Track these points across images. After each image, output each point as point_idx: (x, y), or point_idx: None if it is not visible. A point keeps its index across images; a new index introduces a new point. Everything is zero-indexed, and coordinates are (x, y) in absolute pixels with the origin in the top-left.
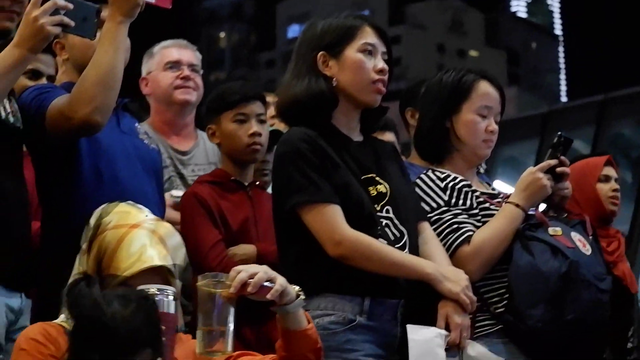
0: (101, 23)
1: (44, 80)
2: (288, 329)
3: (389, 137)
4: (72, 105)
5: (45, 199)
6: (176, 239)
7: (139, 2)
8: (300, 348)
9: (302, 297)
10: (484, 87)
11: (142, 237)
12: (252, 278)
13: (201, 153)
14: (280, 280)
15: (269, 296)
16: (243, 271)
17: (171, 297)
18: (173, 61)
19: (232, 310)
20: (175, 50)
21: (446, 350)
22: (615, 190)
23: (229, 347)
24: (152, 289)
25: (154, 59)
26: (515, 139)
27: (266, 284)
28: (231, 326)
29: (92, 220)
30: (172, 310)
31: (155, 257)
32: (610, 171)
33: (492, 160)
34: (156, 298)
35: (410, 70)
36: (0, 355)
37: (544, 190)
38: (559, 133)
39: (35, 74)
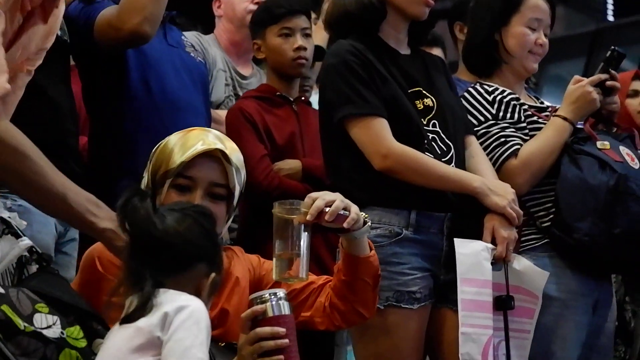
0: None
1: None
2: (351, 255)
3: (436, 52)
4: (122, 16)
5: (94, 112)
6: (231, 143)
7: None
8: (361, 273)
9: (369, 223)
10: (535, 0)
11: (198, 134)
12: (329, 206)
13: (257, 81)
14: (355, 209)
15: (345, 224)
16: (319, 198)
17: (283, 300)
18: None
19: (307, 237)
20: None
21: (492, 263)
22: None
23: (304, 274)
24: (265, 294)
25: None
26: (561, 58)
27: (341, 212)
28: (307, 252)
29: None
30: (286, 311)
31: (210, 143)
32: (638, 85)
33: (539, 78)
34: (268, 303)
35: None
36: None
37: (593, 104)
38: (612, 47)
39: None
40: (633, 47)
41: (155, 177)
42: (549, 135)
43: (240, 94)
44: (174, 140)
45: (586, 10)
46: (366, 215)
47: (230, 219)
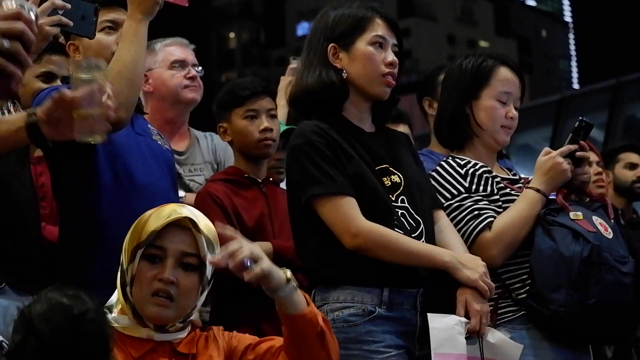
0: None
1: (58, 82)
2: (282, 313)
3: (402, 129)
4: None
5: (64, 200)
6: (205, 219)
7: (159, 0)
8: (300, 331)
9: (294, 284)
10: (504, 73)
11: (171, 207)
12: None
13: (197, 153)
14: (264, 265)
15: (245, 277)
16: (235, 243)
17: None
18: (179, 60)
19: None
20: (180, 49)
21: (466, 337)
22: (598, 173)
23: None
24: None
25: (156, 56)
26: (529, 127)
27: (248, 263)
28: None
29: None
30: None
31: (181, 213)
32: (591, 156)
33: (507, 147)
34: None
35: (421, 62)
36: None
37: (564, 175)
38: (580, 118)
39: (48, 76)
40: (599, 113)
41: (130, 251)
42: (522, 208)
43: (180, 171)
44: (148, 214)
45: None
46: (290, 275)
47: (205, 292)
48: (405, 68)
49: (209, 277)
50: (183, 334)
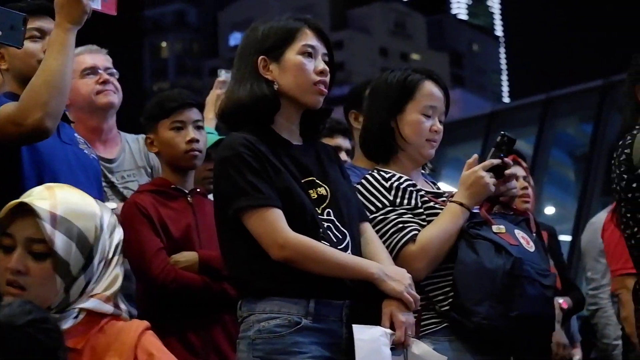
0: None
1: None
2: None
3: (339, 141)
4: (23, 111)
5: None
6: (62, 194)
7: (87, 9)
8: None
9: None
10: (429, 87)
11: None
12: None
13: (128, 158)
14: None
15: None
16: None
17: None
18: (89, 67)
19: None
20: (89, 56)
21: (391, 349)
22: (524, 188)
23: None
24: None
25: None
26: (459, 140)
27: None
28: None
29: None
30: None
31: (24, 197)
32: (517, 171)
33: (437, 161)
34: None
35: (354, 74)
36: None
37: (487, 189)
38: (502, 132)
39: None
40: (529, 128)
41: None
42: (446, 221)
43: (113, 179)
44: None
45: (482, 92)
46: None
47: (85, 271)
48: (338, 80)
49: (83, 267)
50: (65, 325)
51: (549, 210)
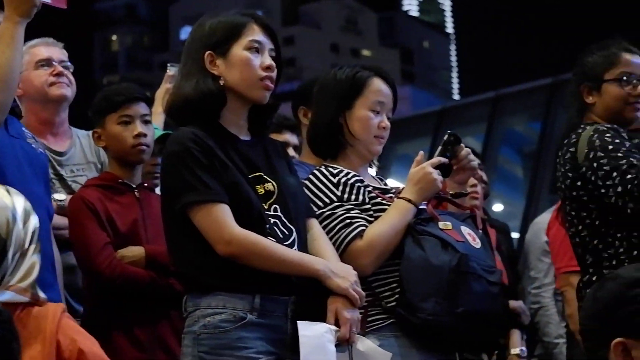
0: None
1: None
2: None
3: (287, 137)
4: None
5: None
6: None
7: (36, 3)
8: None
9: None
10: (377, 84)
11: None
12: None
13: (78, 152)
14: None
15: None
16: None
17: None
18: (44, 59)
19: None
20: (44, 48)
21: (336, 345)
22: (473, 185)
23: None
24: None
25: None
26: (409, 137)
27: None
28: None
29: None
30: None
31: None
32: None
33: (386, 158)
34: None
35: (305, 70)
36: None
37: (434, 186)
38: (449, 131)
39: None
40: (478, 125)
41: None
42: (393, 217)
43: (62, 172)
44: None
45: (433, 89)
46: None
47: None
48: (289, 76)
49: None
50: None
51: (498, 207)
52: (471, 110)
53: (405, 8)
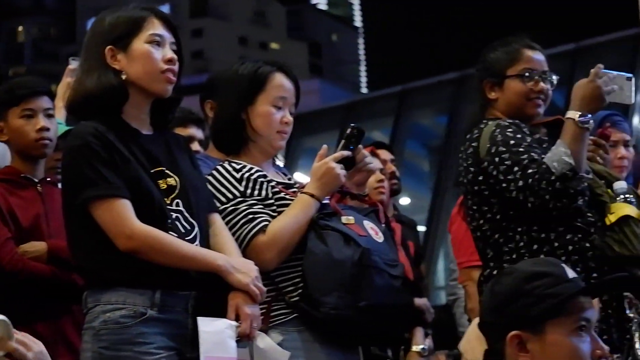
0: None
1: None
2: None
3: (192, 131)
4: None
5: None
6: None
7: None
8: None
9: None
10: (279, 79)
11: None
12: None
13: None
14: None
15: None
16: None
17: None
18: None
19: None
20: None
21: (237, 341)
22: (380, 180)
23: None
24: None
25: None
26: (317, 130)
27: None
28: None
29: None
30: None
31: None
32: (375, 162)
33: (294, 151)
34: None
35: (213, 63)
36: None
37: (337, 180)
38: (352, 125)
39: None
40: (385, 119)
41: None
42: (296, 212)
43: None
44: None
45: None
46: None
47: None
48: (197, 68)
49: None
50: None
51: (404, 200)
52: (379, 104)
53: (313, 1)
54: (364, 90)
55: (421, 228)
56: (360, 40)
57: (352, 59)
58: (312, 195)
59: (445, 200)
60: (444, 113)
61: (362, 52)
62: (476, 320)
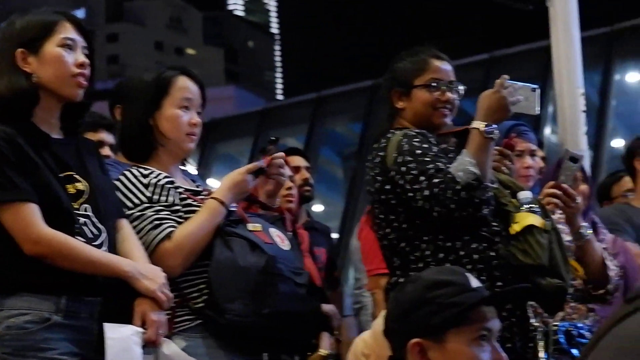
0: None
1: None
2: None
3: (103, 135)
4: None
5: None
6: None
7: None
8: None
9: None
10: (183, 81)
11: None
12: None
13: None
14: None
15: None
16: None
17: None
18: None
19: None
20: None
21: (143, 347)
22: (289, 188)
23: None
24: None
25: None
26: (232, 137)
27: None
28: None
29: None
30: None
31: None
32: (285, 170)
33: (209, 157)
34: None
35: (129, 68)
36: None
37: (245, 187)
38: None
39: None
40: (300, 126)
41: None
42: (203, 218)
43: None
44: None
45: (256, 89)
46: None
47: None
48: (112, 73)
49: None
50: None
51: (318, 207)
52: (293, 111)
53: (230, 7)
54: (280, 97)
55: (334, 235)
56: (277, 47)
57: (269, 65)
58: (220, 202)
59: (358, 207)
60: (358, 120)
61: (278, 58)
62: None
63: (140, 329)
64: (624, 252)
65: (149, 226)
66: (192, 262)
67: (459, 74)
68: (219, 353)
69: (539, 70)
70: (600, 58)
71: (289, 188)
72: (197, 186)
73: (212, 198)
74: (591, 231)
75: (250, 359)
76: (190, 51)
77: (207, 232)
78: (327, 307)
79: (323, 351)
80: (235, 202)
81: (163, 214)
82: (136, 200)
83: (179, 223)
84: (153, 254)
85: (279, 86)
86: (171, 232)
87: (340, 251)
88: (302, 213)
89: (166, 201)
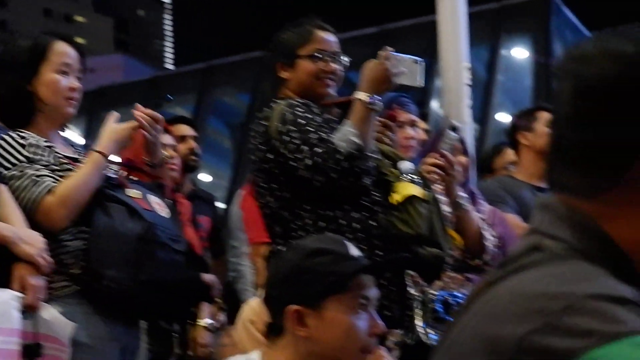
0: None
1: None
2: None
3: None
4: None
5: None
6: None
7: None
8: None
9: None
10: (61, 46)
11: None
12: None
13: None
14: None
15: None
16: None
17: None
18: None
19: None
20: None
21: (22, 312)
22: (171, 157)
23: None
24: None
25: None
26: (119, 105)
27: None
28: None
29: None
30: None
31: None
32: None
33: (95, 125)
34: None
35: (17, 35)
36: None
37: (124, 139)
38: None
39: None
40: (189, 95)
41: None
42: (85, 170)
43: None
44: None
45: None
46: None
47: None
48: (0, 40)
49: None
50: None
51: (205, 177)
52: (182, 80)
53: None
54: (170, 66)
55: (221, 205)
56: (167, 16)
57: (159, 34)
58: (100, 153)
59: (245, 178)
60: (247, 91)
61: (168, 28)
62: (251, 302)
63: (19, 294)
64: (502, 223)
65: (30, 183)
66: (76, 215)
67: (348, 47)
68: (96, 319)
69: (428, 44)
70: (488, 34)
71: (171, 157)
72: (79, 152)
73: (93, 150)
74: (469, 201)
75: (128, 326)
76: (79, 18)
77: (89, 183)
78: (208, 277)
79: (202, 322)
80: (114, 152)
81: (43, 172)
82: (15, 161)
83: (59, 182)
84: (36, 210)
85: (169, 56)
86: (53, 187)
87: (227, 220)
88: (186, 181)
89: (47, 162)
